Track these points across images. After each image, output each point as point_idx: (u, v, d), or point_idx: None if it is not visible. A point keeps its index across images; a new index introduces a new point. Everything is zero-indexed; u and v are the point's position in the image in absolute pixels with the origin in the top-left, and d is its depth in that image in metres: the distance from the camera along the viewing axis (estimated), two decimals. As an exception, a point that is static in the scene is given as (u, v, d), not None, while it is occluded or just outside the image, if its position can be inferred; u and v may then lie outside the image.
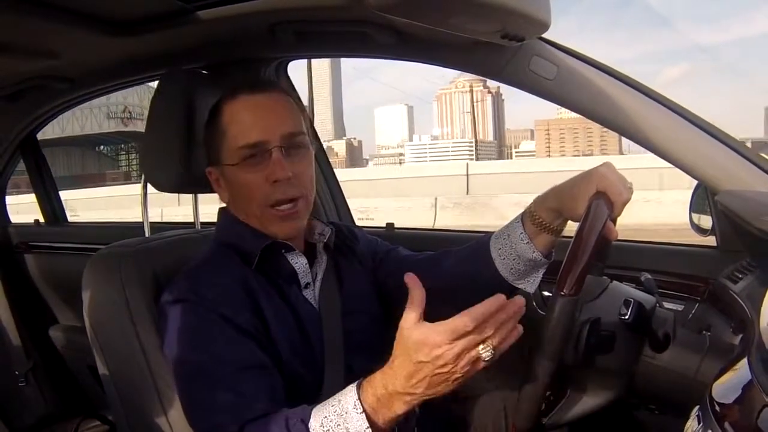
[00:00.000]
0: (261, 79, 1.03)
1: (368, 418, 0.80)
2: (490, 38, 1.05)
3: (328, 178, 1.79)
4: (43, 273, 2.13)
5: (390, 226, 1.74)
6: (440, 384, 0.77)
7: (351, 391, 0.82)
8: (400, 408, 0.79)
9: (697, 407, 0.71)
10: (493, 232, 1.09)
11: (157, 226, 1.48)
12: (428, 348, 0.76)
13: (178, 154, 1.15)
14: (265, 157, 0.98)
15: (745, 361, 0.70)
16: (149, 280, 1.07)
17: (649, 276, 1.02)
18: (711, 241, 1.25)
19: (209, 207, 1.33)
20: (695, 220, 1.27)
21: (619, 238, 0.92)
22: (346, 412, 0.81)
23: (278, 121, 1.00)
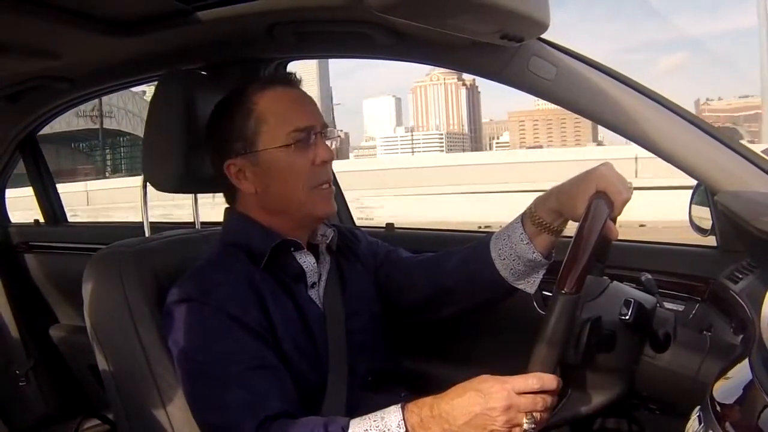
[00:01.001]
0: (292, 76, 1.07)
1: None
2: (489, 39, 1.05)
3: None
4: (44, 273, 2.13)
5: (390, 226, 1.73)
6: (478, 428, 0.81)
7: (395, 410, 0.85)
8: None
9: (698, 407, 0.71)
10: (493, 233, 1.09)
11: (157, 226, 1.48)
12: (499, 398, 0.81)
13: (178, 154, 1.15)
14: (310, 141, 1.02)
15: (745, 361, 0.70)
16: (149, 280, 1.07)
17: (650, 276, 1.02)
18: (711, 241, 1.25)
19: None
20: (695, 221, 1.27)
21: (619, 237, 0.92)
22: (389, 430, 0.84)
23: (316, 111, 1.06)
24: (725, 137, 1.08)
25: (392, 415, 0.84)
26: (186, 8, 1.14)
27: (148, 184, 1.26)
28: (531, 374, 0.82)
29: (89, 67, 1.49)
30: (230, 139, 1.04)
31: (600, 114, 1.11)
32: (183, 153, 1.15)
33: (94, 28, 1.18)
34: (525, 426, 0.79)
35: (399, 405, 0.86)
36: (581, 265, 0.83)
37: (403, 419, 0.84)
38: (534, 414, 0.80)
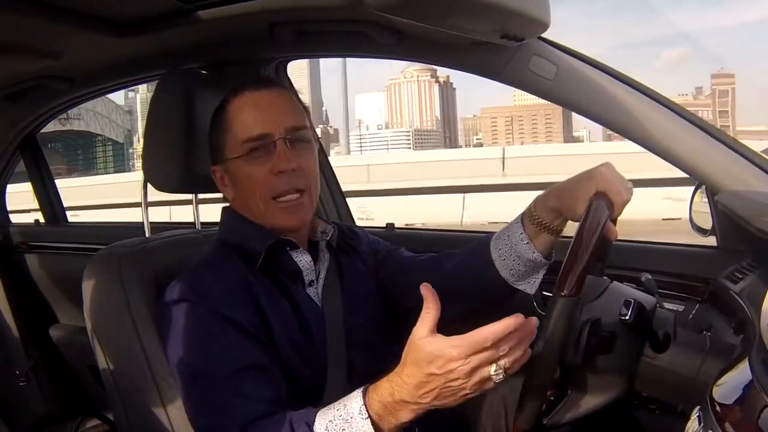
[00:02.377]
0: (264, 77, 1.05)
1: (373, 424, 0.80)
2: (489, 38, 1.05)
3: (328, 178, 1.78)
4: (44, 273, 2.13)
5: (390, 225, 1.73)
6: (448, 397, 0.78)
7: (357, 396, 0.82)
8: (405, 416, 0.80)
9: (698, 408, 0.71)
10: (494, 233, 1.09)
11: (157, 227, 1.48)
12: (442, 361, 0.76)
13: (178, 154, 1.15)
14: (270, 150, 0.99)
15: (745, 361, 0.70)
16: (149, 280, 1.07)
17: (650, 276, 1.02)
18: (711, 241, 1.25)
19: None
20: (695, 220, 1.27)
21: (618, 238, 0.92)
22: (351, 417, 0.81)
23: (282, 115, 1.01)
24: (726, 137, 1.08)
25: (353, 402, 0.82)
26: (186, 8, 1.14)
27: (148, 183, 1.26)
28: (480, 330, 0.75)
29: (89, 67, 1.49)
30: (211, 146, 1.06)
31: (600, 113, 1.11)
32: (183, 153, 1.15)
33: (94, 28, 1.18)
34: (495, 378, 0.75)
35: (360, 390, 0.83)
36: (580, 268, 0.83)
37: (365, 404, 0.81)
38: (499, 362, 0.75)
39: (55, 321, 2.13)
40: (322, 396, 0.99)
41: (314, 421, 0.83)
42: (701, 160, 1.07)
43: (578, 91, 1.11)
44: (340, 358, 1.03)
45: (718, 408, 0.66)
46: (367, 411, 0.80)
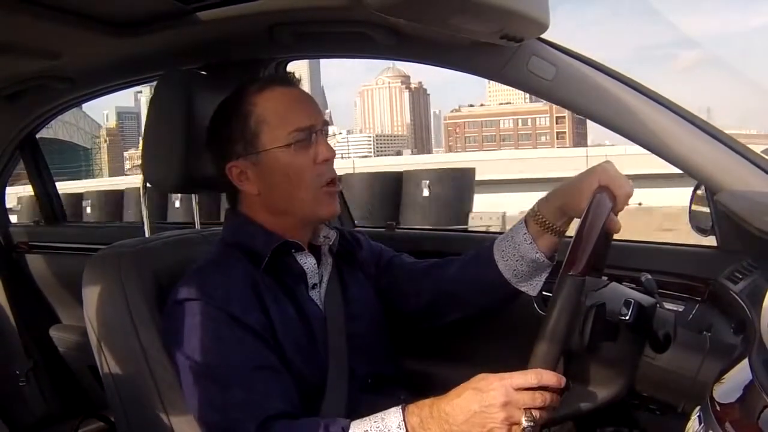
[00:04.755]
0: (288, 75, 1.07)
1: None
2: (489, 39, 1.05)
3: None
4: (44, 273, 2.13)
5: (390, 226, 1.73)
6: (477, 426, 0.81)
7: (396, 411, 0.85)
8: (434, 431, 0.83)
9: (698, 408, 0.71)
10: (497, 236, 1.10)
11: (157, 227, 1.48)
12: (486, 384, 0.81)
13: (177, 154, 1.15)
14: (310, 141, 1.01)
15: (745, 361, 0.70)
16: (149, 280, 1.07)
17: (650, 276, 1.02)
18: (711, 241, 1.25)
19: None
20: (695, 221, 1.26)
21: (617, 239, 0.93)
22: (389, 430, 0.84)
23: (317, 109, 1.06)
24: (726, 137, 1.08)
25: (393, 416, 0.84)
26: (186, 8, 1.14)
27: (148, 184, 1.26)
28: (530, 370, 0.81)
29: (89, 67, 1.49)
30: (231, 141, 1.04)
31: (600, 114, 1.11)
32: (183, 153, 1.15)
33: (94, 28, 1.18)
34: (524, 424, 0.78)
35: (399, 406, 0.86)
36: (588, 248, 0.83)
37: (404, 420, 0.84)
38: (533, 412, 0.79)
39: (56, 321, 2.13)
40: (321, 398, 0.99)
41: (349, 427, 0.86)
42: (701, 160, 1.07)
43: (578, 91, 1.11)
44: (341, 362, 1.03)
45: (718, 408, 0.66)
46: (405, 427, 0.83)
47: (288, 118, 1.01)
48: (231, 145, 1.04)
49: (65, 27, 1.15)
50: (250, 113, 1.02)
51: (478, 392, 0.81)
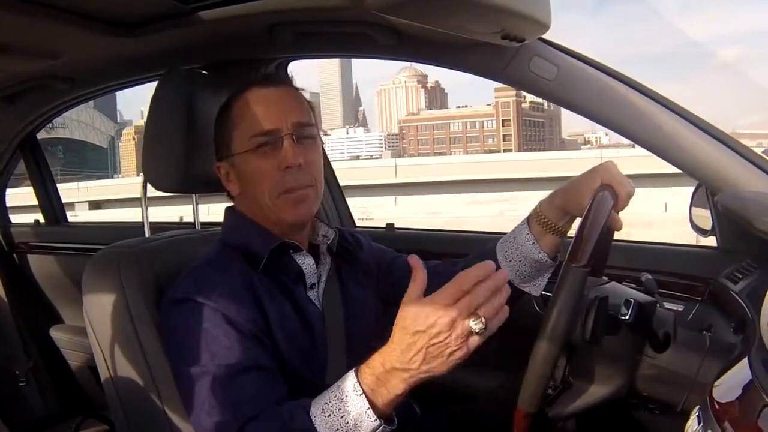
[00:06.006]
0: (271, 75, 1.05)
1: (368, 398, 0.81)
2: (490, 39, 1.05)
3: (329, 179, 1.79)
4: (44, 273, 2.13)
5: (390, 226, 1.73)
6: (436, 358, 0.78)
7: (350, 375, 0.83)
8: (398, 386, 0.80)
9: (698, 407, 0.71)
10: (499, 237, 1.10)
11: (157, 227, 1.48)
12: (423, 316, 0.77)
13: (177, 154, 1.15)
14: (277, 146, 0.99)
15: (745, 361, 0.70)
16: (149, 280, 1.07)
17: (650, 276, 1.02)
18: (711, 241, 1.25)
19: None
20: (695, 221, 1.27)
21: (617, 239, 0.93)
22: (346, 396, 0.82)
23: (288, 111, 1.01)
24: (726, 137, 1.08)
25: (347, 381, 0.83)
26: (186, 8, 1.14)
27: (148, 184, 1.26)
28: (449, 284, 0.77)
29: (89, 67, 1.49)
30: (217, 143, 1.06)
31: (601, 114, 1.11)
32: (183, 153, 1.15)
33: (94, 28, 1.18)
34: (475, 329, 0.76)
35: (353, 369, 0.84)
36: (591, 242, 0.84)
37: (358, 381, 0.82)
38: (478, 312, 0.76)
39: (56, 321, 2.13)
40: None
41: (311, 405, 0.85)
42: (701, 160, 1.07)
43: (579, 91, 1.11)
44: (340, 362, 1.03)
45: (717, 407, 0.67)
46: (361, 387, 0.81)
47: (252, 121, 1.00)
48: (217, 146, 1.06)
49: (65, 27, 1.15)
50: (228, 116, 1.03)
51: (420, 331, 0.77)
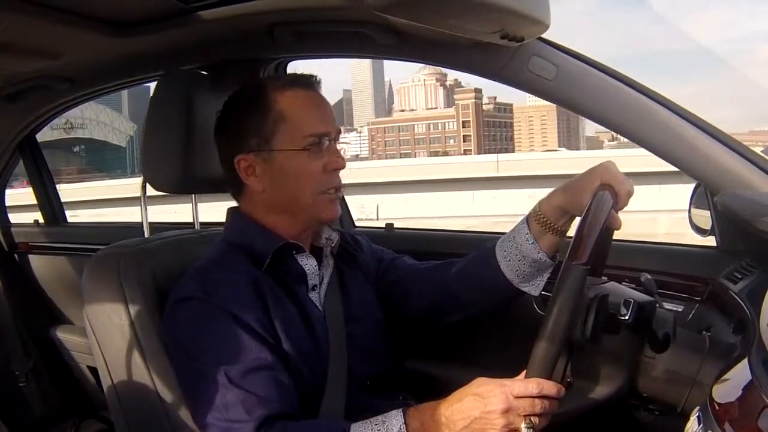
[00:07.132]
0: (309, 77, 1.06)
1: None
2: (489, 39, 1.05)
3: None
4: (44, 273, 2.13)
5: (390, 226, 1.73)
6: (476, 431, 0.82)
7: (397, 414, 0.86)
8: None
9: (698, 408, 0.71)
10: (498, 237, 1.10)
11: (156, 227, 1.48)
12: (490, 387, 0.82)
13: (177, 154, 1.14)
14: (323, 147, 1.02)
15: (745, 361, 0.70)
16: (149, 280, 1.07)
17: (649, 276, 1.01)
18: (711, 241, 1.25)
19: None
20: (695, 221, 1.26)
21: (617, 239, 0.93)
22: None
23: (333, 117, 1.07)
24: (726, 137, 1.08)
25: (394, 419, 0.85)
26: (186, 8, 1.14)
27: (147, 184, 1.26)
28: (531, 379, 0.81)
29: (89, 67, 1.49)
30: (244, 134, 1.03)
31: (600, 114, 1.11)
32: (183, 153, 1.14)
33: (94, 28, 1.18)
34: (524, 430, 0.79)
35: (400, 409, 0.86)
36: (591, 240, 0.84)
37: (405, 423, 0.84)
38: (532, 419, 0.80)
39: (55, 321, 2.12)
40: (320, 398, 0.99)
41: (350, 429, 0.87)
42: (701, 160, 1.07)
43: (578, 91, 1.11)
44: (340, 362, 1.03)
45: (717, 408, 0.66)
46: (407, 430, 0.85)
47: (306, 121, 1.01)
48: (244, 138, 1.03)
49: (65, 27, 1.15)
50: (269, 110, 1.01)
51: (479, 398, 0.82)
